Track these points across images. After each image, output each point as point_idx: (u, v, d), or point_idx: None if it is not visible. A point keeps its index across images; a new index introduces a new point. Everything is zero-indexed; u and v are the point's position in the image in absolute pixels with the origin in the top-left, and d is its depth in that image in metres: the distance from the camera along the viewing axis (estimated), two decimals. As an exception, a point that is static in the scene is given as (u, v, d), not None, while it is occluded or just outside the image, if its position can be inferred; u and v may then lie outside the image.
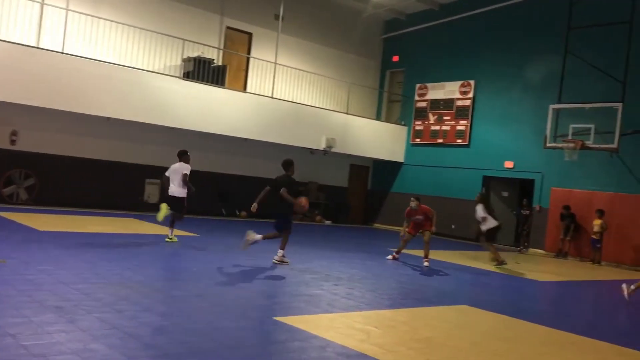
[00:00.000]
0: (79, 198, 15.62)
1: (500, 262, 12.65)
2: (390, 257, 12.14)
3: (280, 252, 9.79)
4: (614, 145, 14.25)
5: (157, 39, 16.25)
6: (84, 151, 15.90)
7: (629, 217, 15.81)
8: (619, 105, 14.12)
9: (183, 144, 17.33)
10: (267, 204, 9.58)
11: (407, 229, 11.97)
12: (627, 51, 14.17)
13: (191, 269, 8.40)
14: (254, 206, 9.57)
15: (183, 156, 11.17)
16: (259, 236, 9.46)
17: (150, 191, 17.01)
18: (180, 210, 11.05)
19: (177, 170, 11.01)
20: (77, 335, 4.70)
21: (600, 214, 15.79)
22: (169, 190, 11.02)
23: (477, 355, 5.45)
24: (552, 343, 6.28)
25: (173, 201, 10.95)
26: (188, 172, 11.01)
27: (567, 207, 16.64)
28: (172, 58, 16.70)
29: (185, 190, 10.99)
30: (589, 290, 11.60)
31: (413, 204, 11.86)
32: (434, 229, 11.92)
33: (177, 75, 16.51)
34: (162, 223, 11.33)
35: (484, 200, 13.11)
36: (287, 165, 9.80)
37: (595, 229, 15.82)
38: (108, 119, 15.30)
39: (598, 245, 15.86)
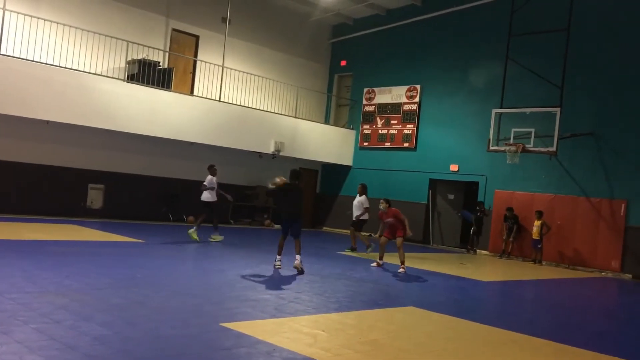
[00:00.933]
0: (16, 204, 15.02)
1: (353, 249, 14.42)
2: (374, 264, 12.10)
3: (299, 257, 10.24)
4: (553, 149, 14.75)
5: (100, 41, 15.81)
6: (22, 155, 15.29)
7: (567, 218, 16.41)
8: (557, 110, 14.64)
9: (127, 147, 17.06)
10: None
11: (380, 233, 12.28)
12: (564, 57, 14.71)
13: (135, 275, 8.20)
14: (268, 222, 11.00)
15: (209, 169, 13.67)
16: (298, 257, 10.19)
17: (94, 196, 16.55)
18: (208, 213, 13.42)
19: (206, 181, 13.54)
20: (12, 347, 4.50)
21: (540, 215, 16.33)
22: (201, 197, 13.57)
23: (421, 355, 5.52)
24: (493, 342, 6.43)
25: (201, 205, 13.51)
26: (206, 183, 13.41)
27: (510, 209, 17.12)
28: (115, 60, 16.26)
29: (212, 196, 13.41)
30: (529, 290, 11.97)
31: (382, 206, 12.05)
32: (409, 232, 11.92)
33: (121, 77, 16.13)
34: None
35: (366, 191, 14.50)
36: (299, 175, 10.79)
37: (535, 229, 16.35)
38: (48, 122, 14.80)
39: (539, 246, 16.38)
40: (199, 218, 13.66)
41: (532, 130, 15.14)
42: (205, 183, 13.44)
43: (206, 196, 13.43)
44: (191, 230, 13.08)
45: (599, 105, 16.16)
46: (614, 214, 15.64)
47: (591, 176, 16.15)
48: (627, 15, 16.01)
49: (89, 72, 15.31)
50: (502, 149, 15.55)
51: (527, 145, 15.08)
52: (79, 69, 15.21)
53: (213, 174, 13.55)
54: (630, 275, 15.23)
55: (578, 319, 8.86)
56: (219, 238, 13.49)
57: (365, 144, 21.55)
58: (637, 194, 15.37)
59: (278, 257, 10.30)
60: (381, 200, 12.18)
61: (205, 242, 13.06)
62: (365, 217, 14.48)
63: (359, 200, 14.48)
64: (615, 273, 15.43)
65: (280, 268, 10.19)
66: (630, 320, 9.45)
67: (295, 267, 10.08)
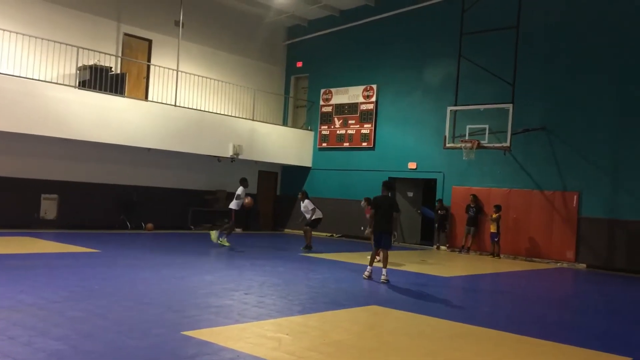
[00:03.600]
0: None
1: (308, 248, 14.74)
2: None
3: (385, 271, 10.44)
4: (507, 144, 15.09)
5: (49, 47, 15.38)
6: (-30, 167, 14.78)
7: (523, 211, 16.81)
8: (510, 106, 14.97)
9: (81, 155, 16.64)
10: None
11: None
12: (515, 55, 15.05)
13: (92, 287, 8.00)
14: (369, 231, 11.17)
15: (241, 182, 14.97)
16: (369, 268, 10.66)
17: (47, 207, 16.08)
18: (229, 218, 15.18)
19: (240, 191, 14.83)
20: (-37, 368, 4.33)
21: (497, 209, 16.67)
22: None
23: (386, 354, 5.56)
24: (456, 336, 6.52)
25: (228, 211, 15.16)
26: (240, 192, 14.73)
27: (474, 196, 17.34)
28: (66, 67, 15.86)
29: (235, 204, 14.69)
30: (488, 283, 12.20)
31: (362, 204, 13.42)
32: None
33: (72, 84, 15.72)
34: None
35: (307, 195, 15.60)
36: (389, 186, 11.04)
37: (492, 223, 16.69)
38: (-4, 132, 14.33)
39: (496, 239, 16.73)
40: (226, 224, 15.15)
41: (487, 126, 15.45)
42: (239, 193, 14.71)
43: (234, 204, 14.74)
44: (221, 239, 14.64)
45: (550, 101, 16.60)
46: (567, 206, 16.09)
47: (544, 170, 16.57)
48: (574, 13, 16.50)
49: (39, 80, 14.87)
50: (458, 145, 15.82)
51: (482, 142, 15.39)
52: (28, 77, 14.76)
53: (243, 186, 14.83)
54: (584, 265, 15.69)
55: (536, 309, 9.07)
56: (227, 244, 14.61)
57: (324, 144, 21.60)
58: (588, 185, 15.85)
59: (369, 267, 10.69)
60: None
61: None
62: (319, 215, 15.15)
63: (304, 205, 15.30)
64: (570, 263, 15.88)
65: (368, 278, 10.54)
66: (585, 309, 9.73)
67: (382, 282, 10.30)
